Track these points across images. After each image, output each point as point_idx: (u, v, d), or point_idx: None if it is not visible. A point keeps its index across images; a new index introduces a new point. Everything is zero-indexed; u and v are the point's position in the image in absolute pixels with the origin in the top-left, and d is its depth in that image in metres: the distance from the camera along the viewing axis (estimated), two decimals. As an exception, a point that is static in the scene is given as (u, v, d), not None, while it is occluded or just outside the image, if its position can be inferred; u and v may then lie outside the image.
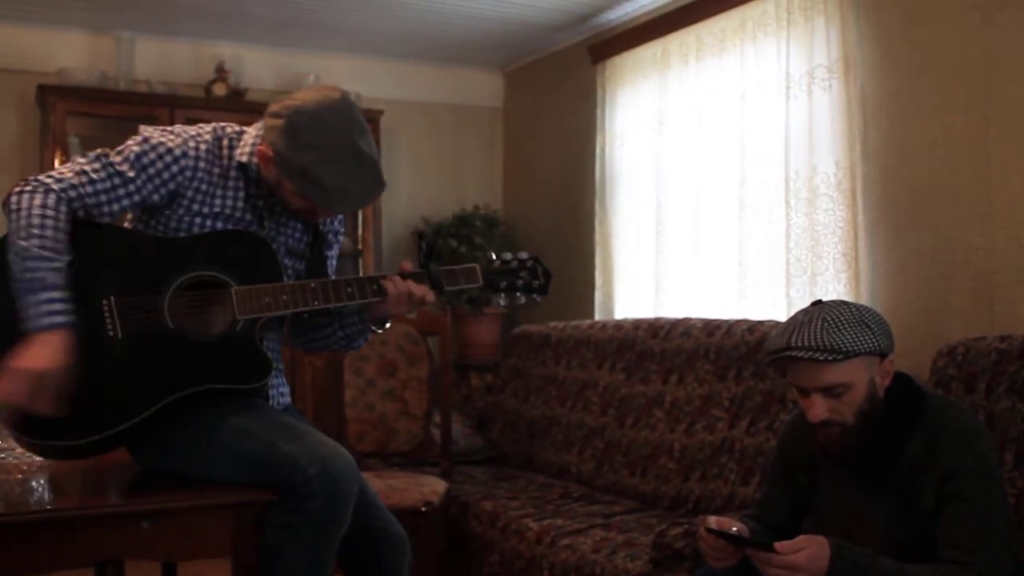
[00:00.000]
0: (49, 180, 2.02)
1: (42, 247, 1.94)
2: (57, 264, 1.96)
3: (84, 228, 2.04)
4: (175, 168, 2.11)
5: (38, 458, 2.21)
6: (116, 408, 1.96)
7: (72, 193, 2.02)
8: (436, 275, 2.22)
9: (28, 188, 2.00)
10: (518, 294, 2.31)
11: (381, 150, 5.24)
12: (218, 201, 2.16)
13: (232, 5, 4.54)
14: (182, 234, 2.14)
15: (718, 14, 4.00)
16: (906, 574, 1.86)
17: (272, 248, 2.18)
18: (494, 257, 2.34)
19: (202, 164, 2.14)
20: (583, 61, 4.93)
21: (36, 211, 1.97)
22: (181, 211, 2.13)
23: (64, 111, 4.54)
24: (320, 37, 5.02)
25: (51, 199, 1.99)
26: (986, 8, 3.05)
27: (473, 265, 2.29)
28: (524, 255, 2.34)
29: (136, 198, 2.08)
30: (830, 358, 1.90)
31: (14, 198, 2.00)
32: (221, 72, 4.95)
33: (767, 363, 2.09)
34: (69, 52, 4.86)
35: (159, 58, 5.02)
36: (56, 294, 1.94)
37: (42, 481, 2.13)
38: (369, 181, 2.12)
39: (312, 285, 2.13)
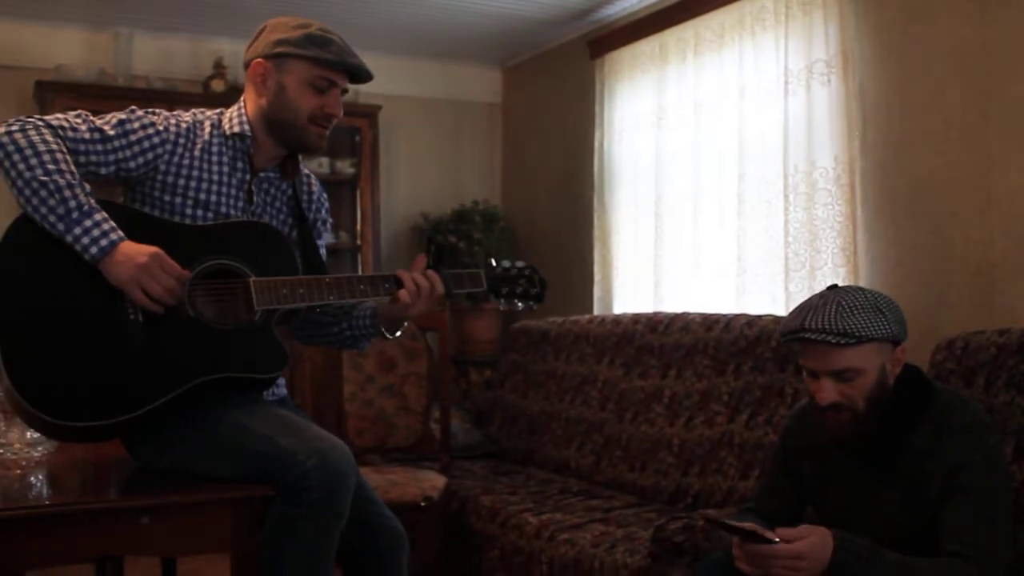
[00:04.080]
0: (36, 118, 2.01)
1: (71, 174, 1.95)
2: (87, 188, 1.97)
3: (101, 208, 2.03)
4: (156, 139, 2.12)
5: (36, 453, 2.21)
6: (136, 392, 1.96)
7: (60, 133, 2.01)
8: (445, 278, 2.25)
9: (16, 127, 1.97)
10: (516, 301, 2.35)
11: (380, 146, 5.25)
12: (205, 175, 2.17)
13: (230, 0, 4.53)
14: (176, 215, 2.14)
15: (716, 9, 4.00)
16: (908, 565, 1.86)
17: (287, 241, 2.19)
18: (494, 263, 2.37)
19: (181, 140, 2.16)
20: (582, 56, 4.93)
21: (42, 145, 1.95)
22: (167, 187, 2.13)
23: (62, 107, 4.50)
24: (318, 33, 5.01)
25: (49, 134, 1.98)
26: (985, 2, 3.05)
27: (478, 271, 2.33)
28: (521, 264, 2.40)
29: (111, 158, 2.07)
30: (842, 342, 1.91)
31: (5, 138, 1.95)
32: (220, 68, 4.94)
33: (781, 343, 2.10)
34: (67, 48, 4.85)
35: (157, 54, 5.02)
36: (101, 214, 1.96)
37: (41, 476, 2.13)
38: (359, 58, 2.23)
39: (327, 280, 2.14)
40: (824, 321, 1.93)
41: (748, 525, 1.89)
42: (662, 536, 2.56)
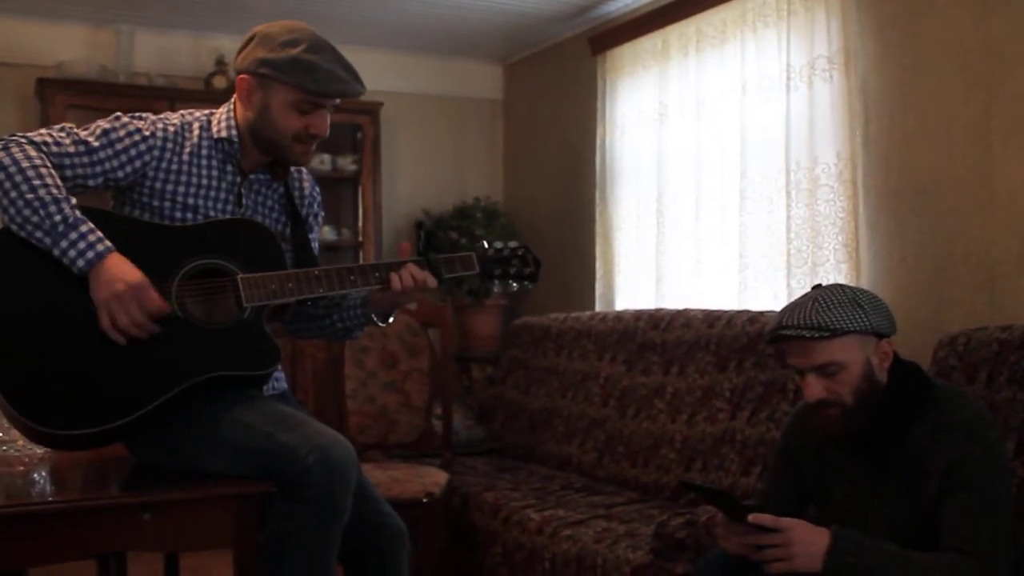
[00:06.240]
0: (19, 136, 2.00)
1: (56, 188, 1.94)
2: (72, 201, 1.96)
3: (88, 215, 2.03)
4: (143, 147, 2.11)
5: (39, 450, 2.21)
6: (128, 397, 1.96)
7: (44, 149, 2.00)
8: (435, 263, 2.25)
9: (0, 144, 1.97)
10: (511, 281, 2.34)
11: (381, 143, 5.25)
12: (194, 180, 2.16)
13: (232, -3, 4.55)
14: (166, 220, 2.13)
15: (718, 5, 4.00)
16: (908, 558, 1.86)
17: (275, 236, 2.18)
18: (486, 245, 2.37)
19: (169, 145, 2.14)
20: (583, 53, 4.92)
21: (25, 162, 1.94)
22: (155, 193, 2.12)
23: (63, 104, 4.54)
24: (320, 29, 4.88)
25: (32, 150, 1.97)
26: (987, -2, 3.05)
27: (469, 253, 2.32)
28: (514, 244, 2.38)
29: (98, 169, 2.06)
30: (817, 335, 1.93)
31: None
32: (221, 65, 4.95)
33: (767, 343, 2.12)
34: (68, 45, 4.85)
35: (159, 51, 5.02)
36: (88, 225, 1.94)
37: (44, 473, 2.13)
38: (353, 73, 2.18)
39: (316, 273, 2.14)
40: (800, 318, 1.96)
41: (721, 488, 1.91)
42: (664, 532, 2.57)
